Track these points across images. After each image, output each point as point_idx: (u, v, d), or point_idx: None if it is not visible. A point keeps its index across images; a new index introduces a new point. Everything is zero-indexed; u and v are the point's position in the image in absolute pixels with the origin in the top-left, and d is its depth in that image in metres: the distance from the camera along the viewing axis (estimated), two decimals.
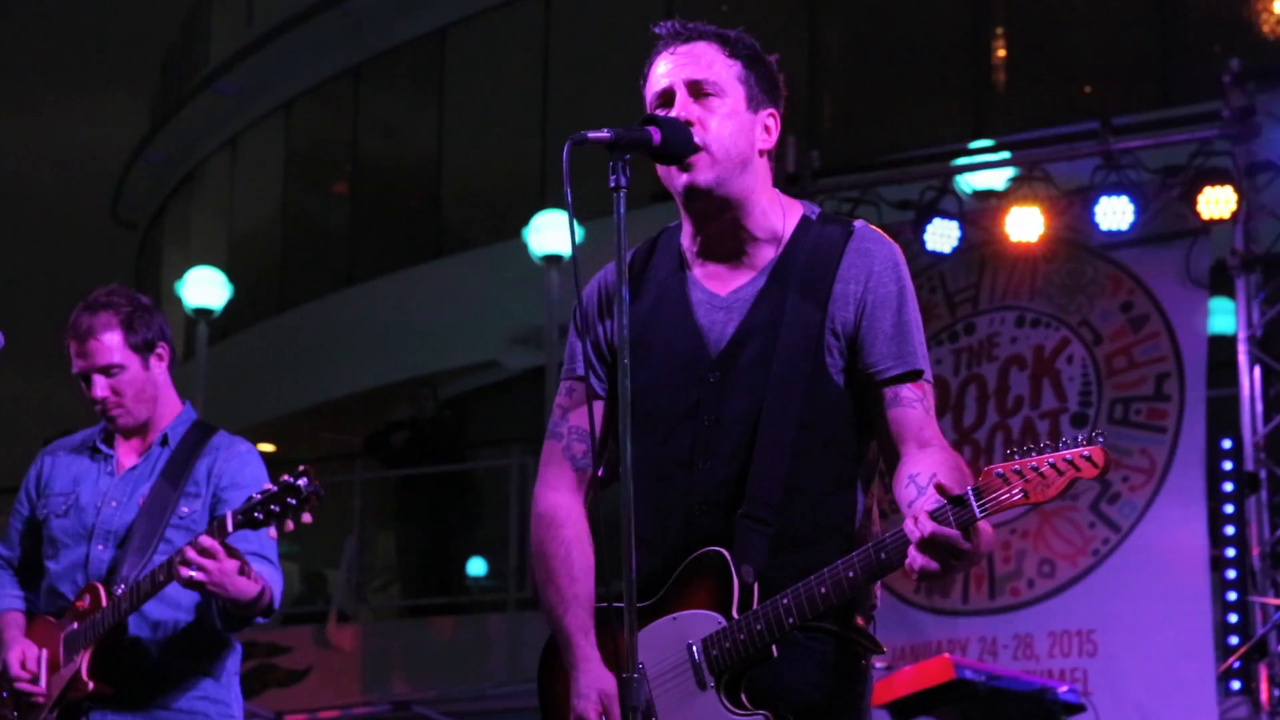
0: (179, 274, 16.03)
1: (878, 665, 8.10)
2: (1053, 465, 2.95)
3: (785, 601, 3.16)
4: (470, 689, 12.10)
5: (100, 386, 4.62)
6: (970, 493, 2.97)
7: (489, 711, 11.62)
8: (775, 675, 3.20)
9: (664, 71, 3.32)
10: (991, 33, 13.69)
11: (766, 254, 3.34)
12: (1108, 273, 9.88)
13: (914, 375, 3.27)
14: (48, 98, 40.02)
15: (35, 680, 4.59)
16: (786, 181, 10.62)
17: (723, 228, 3.33)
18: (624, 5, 15.36)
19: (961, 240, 9.98)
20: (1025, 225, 9.84)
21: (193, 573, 4.25)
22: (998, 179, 10.40)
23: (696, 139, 3.25)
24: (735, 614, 3.19)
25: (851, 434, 3.31)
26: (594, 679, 3.23)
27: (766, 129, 3.34)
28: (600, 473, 3.44)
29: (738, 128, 3.29)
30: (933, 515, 2.96)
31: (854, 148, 12.85)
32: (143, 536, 4.58)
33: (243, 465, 4.65)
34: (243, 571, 4.34)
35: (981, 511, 2.97)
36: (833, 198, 10.54)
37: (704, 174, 3.26)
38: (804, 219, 3.38)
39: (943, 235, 9.98)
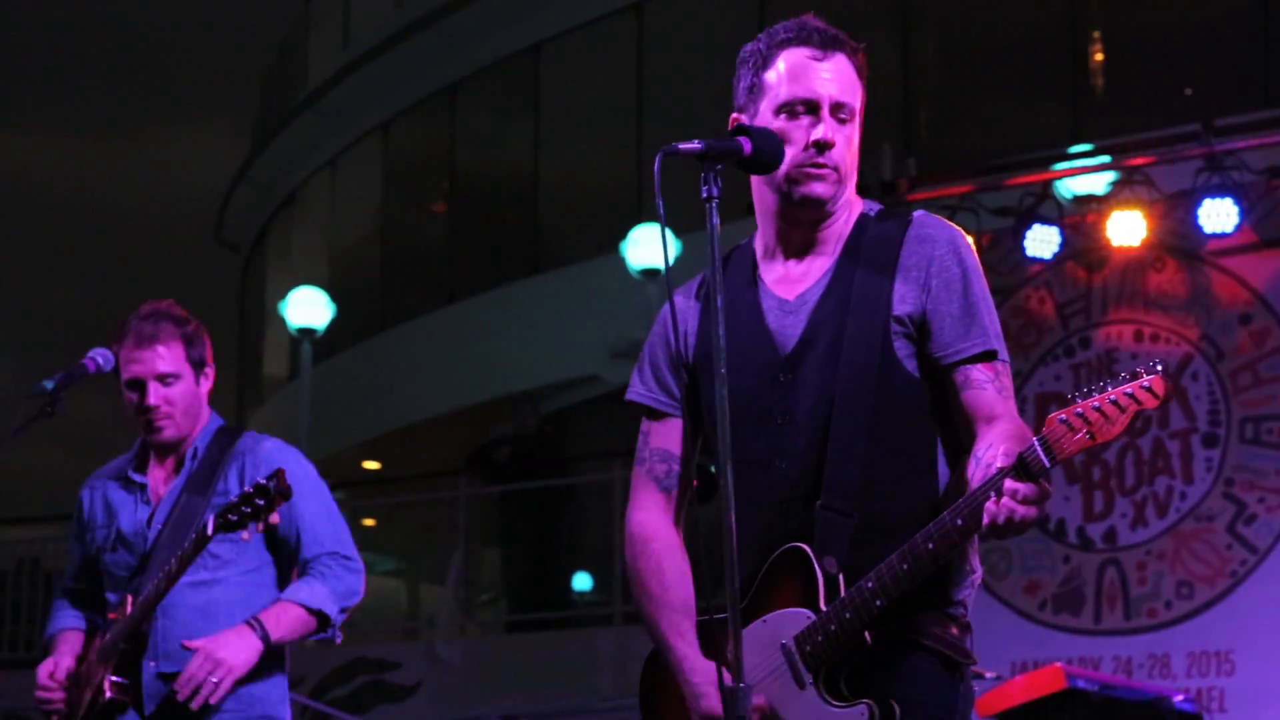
0: (282, 294, 16.15)
1: (989, 675, 8.10)
2: (1114, 402, 2.91)
3: (870, 585, 3.14)
4: (577, 703, 12.10)
5: (154, 394, 4.62)
6: (1037, 443, 2.95)
7: None
8: (875, 685, 3.18)
9: (811, 81, 3.33)
10: (1089, 35, 13.56)
11: (831, 250, 3.38)
12: (1222, 281, 9.75)
13: (986, 356, 3.25)
14: (150, 125, 40.66)
15: (59, 689, 4.67)
16: (883, 190, 10.56)
17: (808, 233, 3.39)
18: (716, 16, 15.33)
19: (1063, 246, 9.89)
20: (1127, 230, 9.76)
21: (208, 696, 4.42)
22: (1098, 183, 10.25)
23: (830, 159, 3.30)
24: (823, 606, 3.18)
25: (928, 419, 3.30)
26: (705, 675, 3.23)
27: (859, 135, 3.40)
28: (695, 483, 3.46)
29: (855, 148, 3.37)
30: (1003, 473, 2.96)
31: (951, 154, 12.74)
32: (166, 550, 4.58)
33: (274, 458, 4.62)
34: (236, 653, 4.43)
35: (1049, 460, 2.93)
36: (930, 206, 10.46)
37: (828, 188, 3.32)
38: (862, 215, 3.41)
39: (1043, 241, 9.90)
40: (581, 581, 15.19)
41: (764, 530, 3.27)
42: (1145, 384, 2.92)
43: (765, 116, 3.34)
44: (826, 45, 3.33)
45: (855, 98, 3.35)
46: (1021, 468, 2.95)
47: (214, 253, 24.95)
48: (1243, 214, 9.40)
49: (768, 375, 3.33)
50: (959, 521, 3.07)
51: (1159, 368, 2.94)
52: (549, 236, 17.52)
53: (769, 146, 3.23)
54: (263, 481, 4.31)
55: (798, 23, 3.38)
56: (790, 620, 3.22)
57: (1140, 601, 9.65)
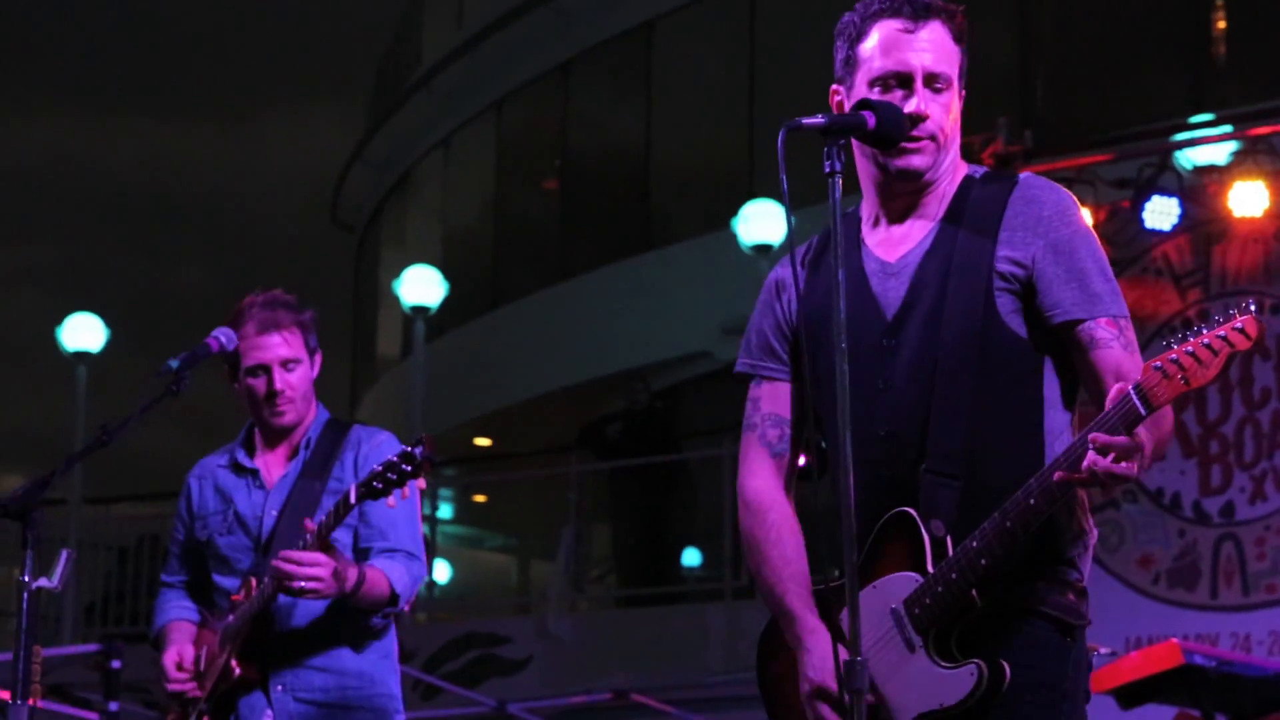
0: (396, 273, 16.23)
1: (1103, 651, 8.02)
2: (1207, 345, 2.93)
3: (974, 544, 3.12)
4: (688, 677, 12.10)
5: (279, 379, 4.69)
6: (1132, 391, 2.94)
7: (709, 700, 11.61)
8: (986, 648, 3.16)
9: (899, 51, 3.30)
10: (1211, 2, 13.44)
11: (934, 213, 3.35)
12: None
13: (1105, 310, 3.23)
14: (265, 109, 41.14)
15: (193, 678, 4.70)
16: (1000, 163, 10.50)
17: (910, 199, 3.37)
18: None
19: (1182, 218, 9.86)
20: (1250, 200, 9.72)
21: (301, 584, 4.38)
22: (1219, 154, 10.21)
23: (925, 130, 3.28)
24: (930, 569, 3.17)
25: (1036, 380, 3.28)
26: (826, 651, 3.20)
27: (961, 99, 3.37)
28: (802, 461, 3.46)
29: (956, 114, 3.35)
30: (1100, 423, 2.96)
31: (1068, 125, 12.67)
32: (285, 536, 4.61)
33: (387, 450, 4.59)
34: (338, 574, 4.42)
35: (1145, 408, 2.94)
36: (1048, 177, 10.37)
37: (925, 159, 3.30)
38: (967, 178, 3.38)
39: (1162, 213, 9.88)
40: (691, 557, 15.18)
41: (872, 497, 3.24)
42: (1238, 325, 2.94)
43: (860, 89, 3.33)
44: (918, 14, 3.31)
45: (952, 65, 3.33)
46: (1121, 418, 2.95)
47: (330, 234, 25.21)
48: None
49: (871, 341, 3.32)
50: (1058, 475, 3.04)
51: (1252, 307, 2.95)
52: (660, 214, 17.54)
53: (893, 120, 3.22)
54: (409, 449, 4.32)
55: None
56: (899, 584, 3.21)
57: (1259, 577, 9.60)
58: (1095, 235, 3.32)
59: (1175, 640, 7.78)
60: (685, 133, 17.57)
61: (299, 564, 4.39)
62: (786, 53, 16.11)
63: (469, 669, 12.97)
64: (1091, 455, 2.97)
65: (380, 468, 4.33)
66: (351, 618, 4.67)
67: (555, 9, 17.97)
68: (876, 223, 3.42)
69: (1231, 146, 10.14)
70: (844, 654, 3.05)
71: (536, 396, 17.77)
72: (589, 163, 18.65)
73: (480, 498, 18.76)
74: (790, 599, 3.33)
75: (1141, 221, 9.90)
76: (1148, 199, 9.87)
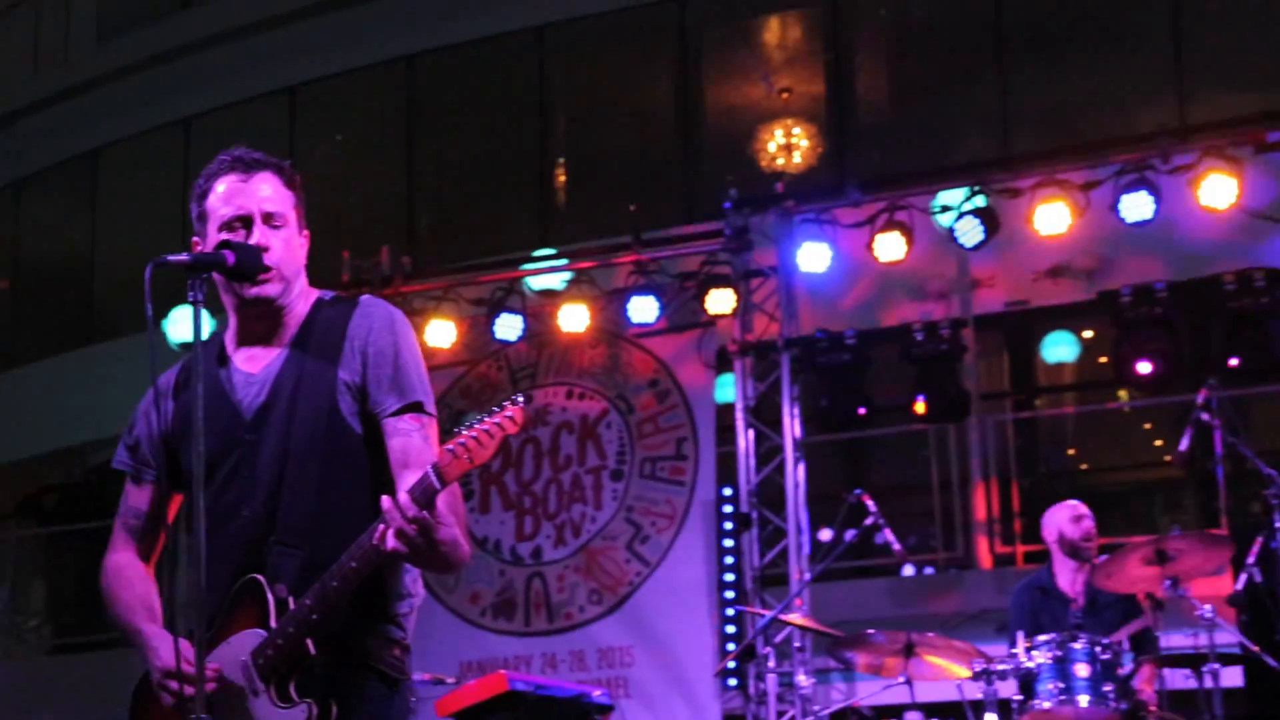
0: None
1: (448, 681, 8.27)
2: (486, 430, 3.01)
3: (307, 602, 3.15)
4: (117, 714, 11.75)
5: None
6: (431, 470, 3.02)
7: None
8: (321, 694, 3.19)
9: (238, 199, 3.33)
10: (554, 160, 13.99)
11: (289, 333, 3.38)
12: (639, 356, 10.28)
13: (413, 408, 3.28)
14: None
15: None
16: (381, 283, 10.75)
17: (269, 321, 3.39)
18: (254, 129, 15.26)
19: (525, 330, 10.20)
20: (575, 319, 10.15)
21: None
22: (556, 280, 10.63)
23: (268, 260, 3.30)
24: (273, 624, 3.19)
25: (372, 467, 3.29)
26: (170, 647, 3.22)
27: (305, 241, 3.42)
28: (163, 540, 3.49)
29: (296, 247, 3.38)
30: (410, 492, 3.04)
31: (443, 252, 12.95)
32: None
33: None
34: None
35: (440, 482, 3.01)
36: (422, 295, 10.69)
37: (274, 288, 3.33)
38: (319, 300, 3.43)
39: (509, 326, 10.18)
40: None
41: (235, 568, 3.26)
42: (509, 414, 3.02)
43: (213, 236, 3.32)
44: (250, 168, 3.35)
45: (287, 207, 3.36)
46: (421, 495, 3.02)
47: None
48: (662, 308, 9.94)
49: (234, 437, 3.32)
50: (372, 540, 3.10)
51: (520, 400, 3.04)
52: (104, 312, 17.01)
53: (250, 259, 3.26)
54: None
55: (227, 154, 3.38)
56: (248, 639, 3.22)
57: (560, 607, 9.97)
58: (415, 345, 3.35)
59: (503, 672, 7.95)
60: (128, 243, 17.14)
61: None
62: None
63: None
64: (389, 536, 3.02)
65: None
66: None
67: (8, 133, 17.30)
68: (242, 340, 3.41)
69: (566, 275, 10.63)
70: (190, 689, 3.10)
71: None
72: (39, 266, 17.94)
73: None
74: (138, 620, 3.35)
75: (493, 333, 10.24)
76: (499, 315, 10.18)
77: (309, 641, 3.15)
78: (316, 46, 14.48)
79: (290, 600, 3.19)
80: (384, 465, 3.27)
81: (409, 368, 3.30)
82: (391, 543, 3.03)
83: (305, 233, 3.42)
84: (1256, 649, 7.17)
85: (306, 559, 3.21)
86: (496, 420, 3.00)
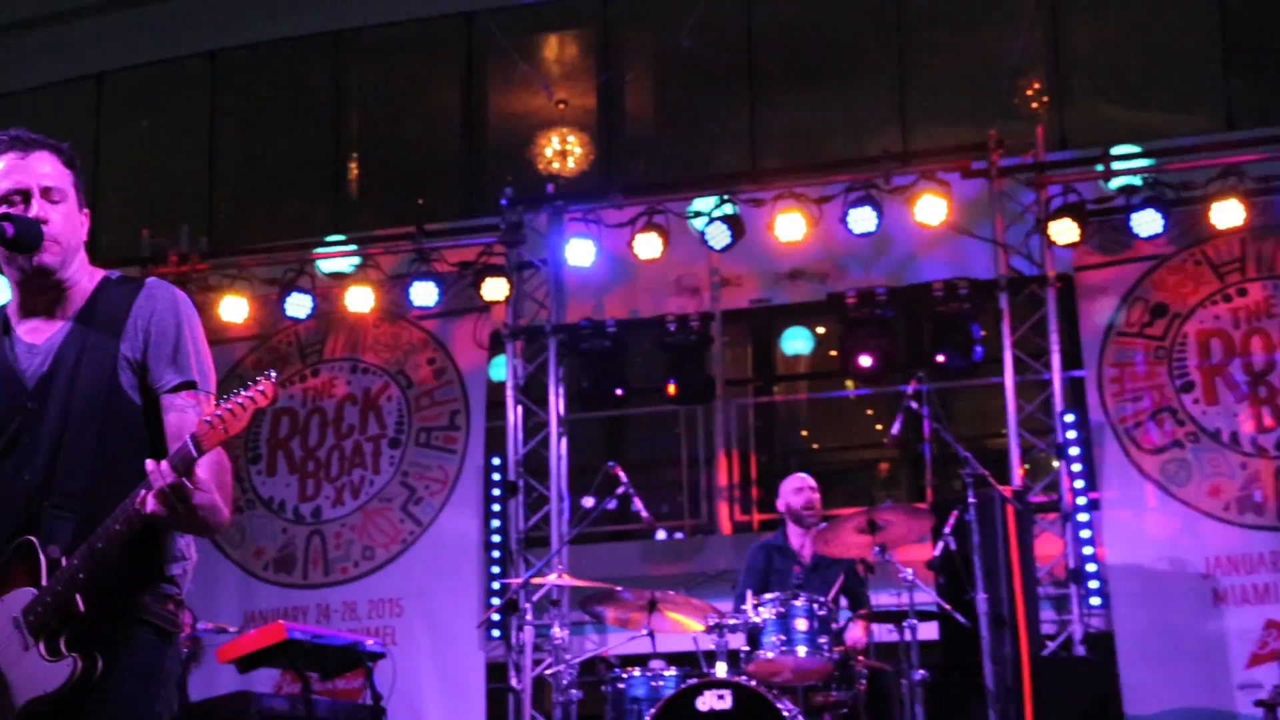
0: None
1: (230, 630, 8.11)
2: (239, 404, 2.93)
3: (75, 562, 3.05)
4: None
5: None
6: (189, 439, 2.94)
7: None
8: (92, 647, 3.08)
9: (16, 174, 3.20)
10: (348, 155, 13.70)
11: (74, 307, 3.27)
12: (418, 336, 10.22)
13: (189, 385, 3.19)
14: None
15: None
16: (180, 260, 10.47)
17: (51, 294, 3.27)
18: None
19: (314, 309, 10.05)
20: (361, 300, 10.07)
21: None
22: (345, 264, 10.49)
23: (47, 232, 3.19)
24: (45, 583, 3.09)
25: (149, 439, 3.19)
26: None
27: (85, 219, 3.31)
28: None
29: (76, 223, 3.27)
30: (170, 460, 2.96)
31: (241, 234, 12.65)
32: None
33: None
34: None
35: (197, 450, 2.94)
36: (217, 273, 10.45)
37: (53, 259, 3.21)
38: (105, 279, 3.31)
39: (299, 305, 10.03)
40: None
41: (11, 530, 3.13)
42: (261, 389, 2.94)
43: None
44: (29, 146, 3.23)
45: (66, 183, 3.24)
46: (179, 462, 2.95)
47: None
48: (441, 294, 9.91)
49: (16, 404, 3.19)
50: (134, 504, 2.99)
51: (272, 375, 2.97)
52: None
53: (30, 230, 3.15)
54: None
55: (4, 134, 3.25)
56: (20, 598, 3.10)
57: (336, 562, 9.86)
58: (199, 327, 3.26)
59: (281, 622, 7.81)
60: None
61: None
62: None
63: None
64: (148, 498, 2.95)
65: None
66: None
67: None
68: (27, 312, 3.27)
69: (355, 260, 10.48)
70: None
71: None
72: None
73: None
74: None
75: (284, 310, 10.04)
76: (290, 294, 9.98)
77: (78, 598, 3.04)
78: (125, 36, 13.98)
79: (63, 561, 3.08)
80: (161, 437, 3.18)
81: (188, 348, 3.21)
82: (151, 505, 2.95)
83: (85, 210, 3.30)
84: (949, 607, 7.49)
85: (81, 522, 3.10)
86: (249, 394, 2.93)
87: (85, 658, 3.04)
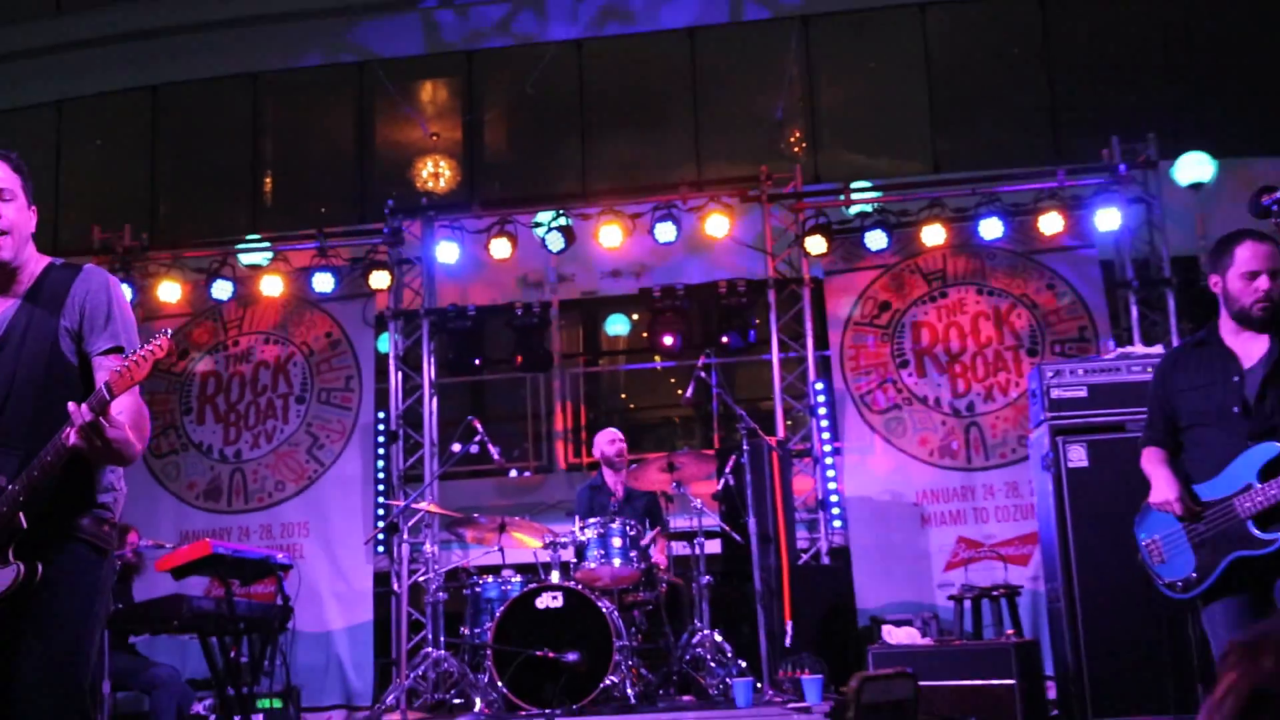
0: None
1: (167, 546, 7.81)
2: (142, 356, 2.81)
3: (14, 488, 2.93)
4: None
5: None
6: (103, 385, 2.82)
7: None
8: (34, 558, 2.92)
9: None
10: (264, 171, 13.35)
11: (23, 288, 3.12)
12: (319, 316, 9.98)
13: (117, 350, 3.06)
14: None
15: None
16: (125, 253, 10.03)
17: (4, 277, 3.12)
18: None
19: (235, 293, 9.79)
20: (273, 286, 9.84)
21: None
22: (261, 257, 10.17)
23: (2, 225, 3.04)
24: None
25: (84, 392, 3.01)
26: None
27: (33, 215, 3.15)
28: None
29: (26, 219, 3.11)
30: (88, 402, 2.83)
31: (176, 233, 12.14)
32: None
33: None
34: None
35: (109, 393, 2.81)
36: (156, 263, 10.04)
37: (8, 253, 3.08)
38: (50, 265, 3.17)
39: (223, 289, 9.76)
40: None
41: None
42: (158, 344, 2.83)
43: None
44: None
45: (15, 185, 3.07)
46: (96, 404, 2.81)
47: None
48: (337, 282, 9.69)
49: None
50: (61, 439, 2.88)
51: (168, 333, 2.84)
52: None
53: None
54: None
55: None
56: None
57: (254, 493, 9.58)
58: (125, 303, 3.12)
59: (208, 540, 7.65)
60: None
61: None
62: None
63: None
64: (71, 434, 2.82)
65: None
66: None
67: None
68: None
69: (270, 254, 10.19)
70: None
71: None
72: None
73: None
74: None
75: (210, 293, 9.70)
76: (215, 280, 9.64)
77: (20, 516, 2.91)
78: (78, 72, 13.32)
79: (10, 488, 2.94)
80: (93, 390, 3.02)
81: (117, 320, 3.08)
82: (73, 439, 2.82)
83: (33, 208, 3.14)
84: (728, 529, 7.61)
85: (24, 458, 2.96)
86: (150, 348, 2.82)
87: (28, 565, 2.92)
